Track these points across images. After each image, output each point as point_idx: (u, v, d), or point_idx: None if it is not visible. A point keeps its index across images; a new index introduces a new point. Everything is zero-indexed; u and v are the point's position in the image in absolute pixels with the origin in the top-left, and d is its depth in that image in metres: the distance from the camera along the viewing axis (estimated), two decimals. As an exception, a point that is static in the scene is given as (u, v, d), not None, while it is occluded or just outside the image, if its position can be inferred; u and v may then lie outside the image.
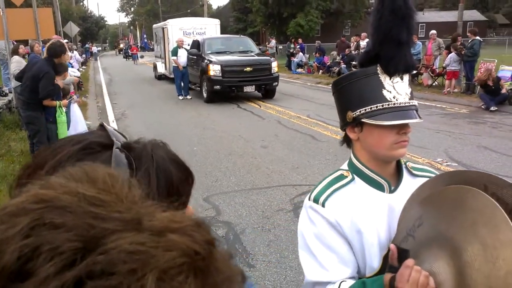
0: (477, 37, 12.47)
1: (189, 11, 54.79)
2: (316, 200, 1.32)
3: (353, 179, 1.34)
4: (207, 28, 18.17)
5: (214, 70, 12.75)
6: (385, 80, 1.28)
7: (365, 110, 1.28)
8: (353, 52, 18.67)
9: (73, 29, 22.86)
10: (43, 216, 0.34)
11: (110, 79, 22.15)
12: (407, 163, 1.43)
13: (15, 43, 9.29)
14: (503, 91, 10.68)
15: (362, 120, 1.29)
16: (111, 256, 0.32)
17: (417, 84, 15.10)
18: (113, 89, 17.46)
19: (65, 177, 0.40)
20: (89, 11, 67.15)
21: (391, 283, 1.12)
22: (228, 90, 12.86)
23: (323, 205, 1.30)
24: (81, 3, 66.17)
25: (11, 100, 9.50)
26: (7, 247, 0.32)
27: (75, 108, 7.27)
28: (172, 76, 16.36)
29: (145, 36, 49.35)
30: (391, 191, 1.34)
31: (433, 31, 15.27)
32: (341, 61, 18.95)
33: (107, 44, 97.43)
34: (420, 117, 1.30)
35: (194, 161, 6.97)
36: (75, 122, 7.18)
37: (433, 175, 1.39)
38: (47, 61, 5.66)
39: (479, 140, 7.86)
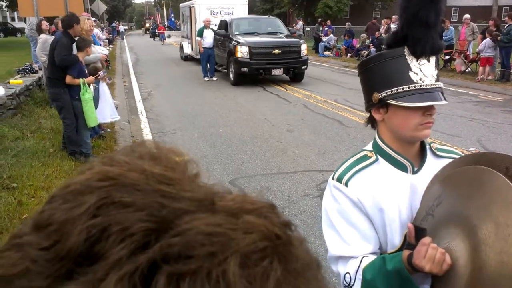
0: (515, 22, 11.96)
1: (216, -10, 54.33)
2: (339, 179, 1.36)
3: (377, 159, 1.37)
4: (235, 8, 17.94)
5: (242, 51, 12.58)
6: (412, 61, 1.29)
7: (391, 91, 1.29)
8: (383, 35, 18.21)
9: (101, 7, 23.01)
10: (110, 194, 0.32)
11: (137, 59, 22.28)
12: (432, 144, 1.45)
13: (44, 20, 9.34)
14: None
15: (388, 101, 1.30)
16: (188, 238, 0.30)
17: (450, 70, 14.65)
18: (140, 69, 17.56)
19: (127, 154, 0.37)
20: (116, -10, 67.44)
21: (408, 259, 1.16)
22: (256, 72, 12.68)
23: (346, 185, 1.34)
24: (109, -19, 66.52)
25: (41, 77, 9.63)
26: (73, 228, 0.30)
27: (104, 87, 7.31)
28: (198, 57, 16.32)
29: (172, 15, 48.97)
30: (414, 172, 1.36)
31: (467, 16, 14.72)
32: (371, 44, 18.53)
33: (133, 23, 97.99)
34: (445, 99, 1.30)
35: (219, 143, 6.96)
36: (104, 101, 7.22)
37: (457, 156, 1.40)
38: (63, 33, 5.73)
39: (514, 130, 7.58)
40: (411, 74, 1.29)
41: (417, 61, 1.29)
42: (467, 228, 1.09)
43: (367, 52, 18.45)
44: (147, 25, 56.03)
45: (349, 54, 20.22)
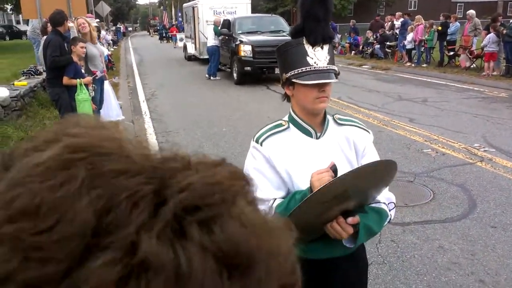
0: (520, 17, 11.87)
1: (219, -10, 54.18)
2: (257, 141, 1.69)
3: (288, 127, 1.71)
4: (238, 7, 17.91)
5: (245, 50, 12.57)
6: (308, 48, 1.63)
7: (294, 72, 1.63)
8: (387, 32, 18.14)
9: (105, 8, 23.11)
10: (96, 165, 0.30)
11: (141, 60, 22.33)
12: (335, 115, 1.78)
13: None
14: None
15: (292, 80, 1.64)
16: (196, 191, 0.31)
17: (454, 66, 14.57)
18: (144, 70, 17.61)
19: (78, 125, 0.35)
20: (120, -9, 67.72)
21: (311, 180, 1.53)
22: (259, 71, 12.67)
23: (261, 144, 1.67)
24: (113, -17, 66.73)
25: (45, 79, 9.69)
26: (75, 204, 0.28)
27: (107, 87, 7.34)
28: (202, 56, 16.36)
29: (180, 14, 48.44)
30: (317, 137, 1.70)
31: (470, 11, 14.59)
32: (375, 41, 18.44)
33: (138, 25, 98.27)
34: (336, 78, 1.65)
35: (223, 142, 6.96)
36: (109, 102, 7.25)
37: (356, 123, 1.78)
38: (53, 32, 5.78)
39: (519, 125, 7.52)
40: (308, 58, 1.62)
41: (312, 48, 1.63)
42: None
43: (371, 49, 18.38)
44: (152, 23, 55.75)
45: (353, 52, 20.15)
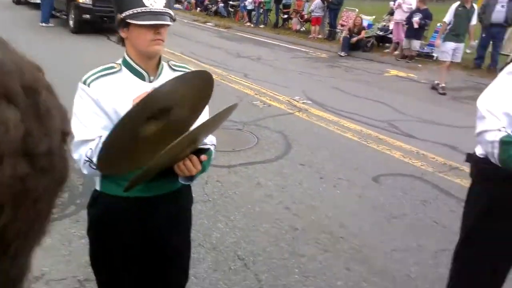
0: (344, -13, 13.35)
1: None
2: (84, 82, 1.66)
3: (120, 69, 1.69)
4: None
5: (83, -4, 11.71)
6: None
7: (129, 12, 1.59)
8: (230, -9, 18.59)
9: None
10: None
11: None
12: (169, 61, 1.81)
13: None
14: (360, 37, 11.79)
15: (127, 20, 1.61)
16: None
17: (287, 28, 15.77)
18: (-42, 10, 15.09)
19: None
20: None
21: None
22: (99, 20, 11.98)
23: (88, 86, 1.65)
24: None
25: None
26: None
27: None
28: (33, 0, 14.71)
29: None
30: (150, 81, 1.71)
31: (304, -22, 15.86)
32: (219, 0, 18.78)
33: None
34: (172, 22, 1.65)
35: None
36: None
37: (188, 70, 1.79)
38: None
39: (333, 82, 8.71)
40: (144, 0, 1.60)
41: None
42: None
43: (215, 8, 18.71)
44: None
45: (198, 9, 20.22)
